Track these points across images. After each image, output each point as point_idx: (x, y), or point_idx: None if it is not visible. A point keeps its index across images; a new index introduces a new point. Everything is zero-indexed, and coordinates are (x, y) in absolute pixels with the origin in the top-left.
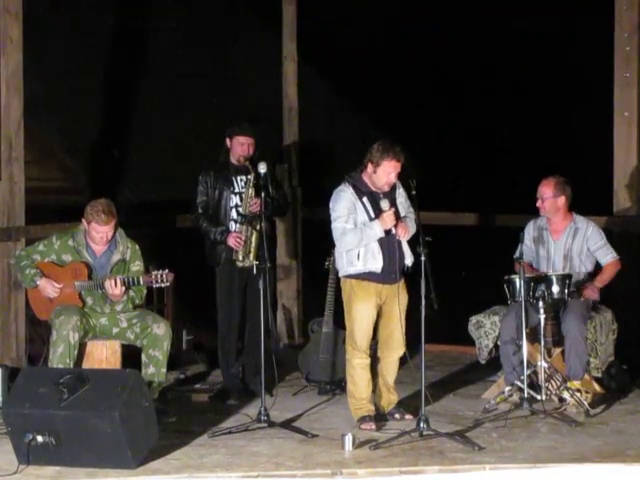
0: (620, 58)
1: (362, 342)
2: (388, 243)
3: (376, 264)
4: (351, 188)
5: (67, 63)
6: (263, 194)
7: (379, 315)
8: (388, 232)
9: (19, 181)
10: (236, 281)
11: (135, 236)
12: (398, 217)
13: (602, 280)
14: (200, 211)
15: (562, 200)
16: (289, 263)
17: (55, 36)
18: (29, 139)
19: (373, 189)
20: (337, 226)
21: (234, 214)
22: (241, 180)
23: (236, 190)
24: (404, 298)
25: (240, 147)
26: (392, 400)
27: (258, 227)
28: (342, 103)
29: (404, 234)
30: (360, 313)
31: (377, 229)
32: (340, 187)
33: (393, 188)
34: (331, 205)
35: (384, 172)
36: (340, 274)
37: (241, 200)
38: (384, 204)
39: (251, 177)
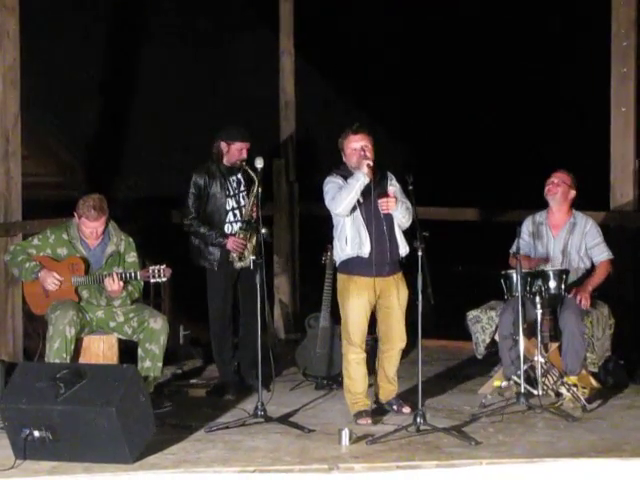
0: (617, 53)
1: (356, 337)
2: (377, 229)
3: (364, 248)
4: (339, 176)
5: (64, 58)
6: (260, 191)
7: (377, 310)
8: (373, 217)
9: (16, 176)
10: (227, 279)
11: (131, 231)
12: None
13: (594, 283)
14: (194, 214)
15: (573, 194)
16: (286, 258)
17: (52, 31)
18: (26, 134)
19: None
20: (328, 197)
21: (231, 217)
22: (234, 181)
23: (230, 193)
24: (403, 292)
25: (238, 152)
26: (391, 390)
27: (261, 229)
28: (339, 98)
29: (386, 205)
30: (353, 308)
31: (357, 173)
32: (328, 177)
33: (383, 178)
34: (324, 190)
35: (350, 150)
36: (337, 267)
37: (237, 203)
38: (365, 161)
39: (255, 182)
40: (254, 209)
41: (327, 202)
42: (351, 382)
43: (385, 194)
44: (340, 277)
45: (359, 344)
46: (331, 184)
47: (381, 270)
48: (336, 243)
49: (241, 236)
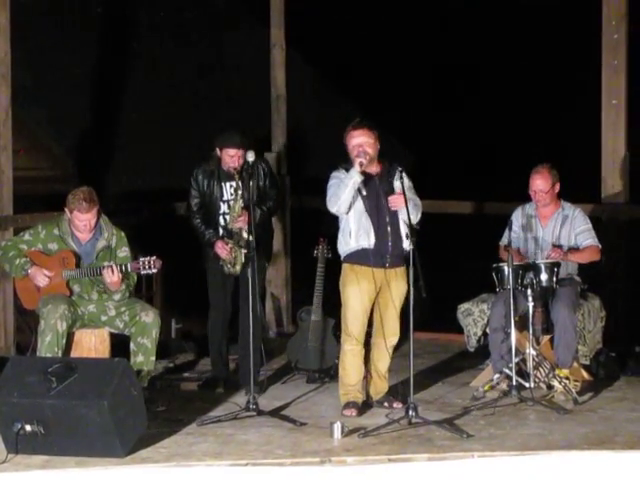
0: (608, 45)
1: (353, 327)
2: (380, 222)
3: (369, 240)
4: (343, 170)
5: (55, 52)
6: (252, 183)
7: (375, 301)
8: (377, 210)
9: (7, 170)
10: (226, 276)
11: (122, 224)
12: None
13: (573, 253)
14: (195, 209)
15: (557, 187)
16: (278, 251)
17: (43, 24)
18: (17, 128)
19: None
20: (327, 195)
21: (222, 220)
22: (230, 187)
23: (224, 197)
24: (401, 286)
25: (229, 159)
26: (382, 388)
27: (242, 243)
28: (330, 90)
29: (394, 203)
30: (352, 297)
31: (351, 171)
32: (334, 171)
33: (391, 172)
34: (328, 185)
35: (350, 145)
36: (342, 259)
37: (229, 208)
38: (361, 156)
39: (238, 190)
40: (237, 219)
41: (327, 200)
42: (344, 373)
43: (391, 189)
44: (343, 267)
45: (356, 335)
46: (333, 180)
47: (383, 262)
48: (340, 237)
49: (229, 244)
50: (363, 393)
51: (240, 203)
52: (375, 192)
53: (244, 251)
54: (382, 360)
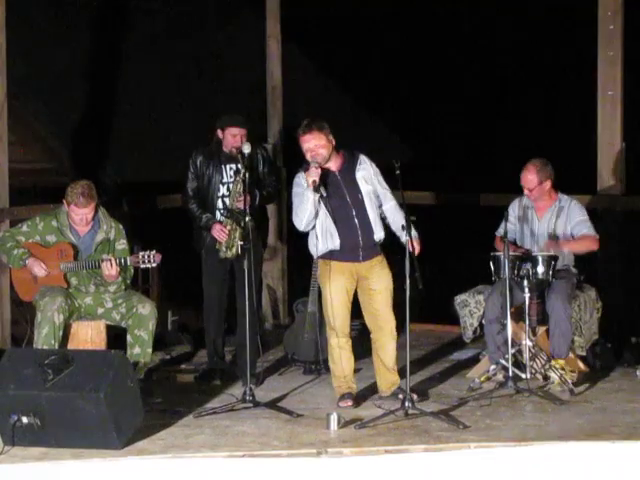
0: (604, 37)
1: (335, 321)
2: (343, 220)
3: (334, 242)
4: (303, 174)
5: (52, 45)
6: (248, 178)
7: (359, 297)
8: (340, 207)
9: (3, 162)
10: (221, 265)
11: (119, 217)
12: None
13: (568, 242)
14: (190, 194)
15: (548, 184)
16: (274, 243)
17: (40, 18)
18: (13, 120)
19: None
20: (293, 212)
21: (220, 204)
22: (230, 169)
23: (224, 180)
24: (384, 275)
25: (232, 138)
26: (393, 381)
27: (243, 224)
28: (326, 83)
29: (412, 248)
30: (330, 292)
31: (306, 191)
32: (295, 177)
33: (351, 163)
34: (292, 198)
35: (303, 149)
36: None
37: (228, 191)
38: (312, 162)
39: (242, 170)
40: (239, 199)
41: (292, 217)
42: (335, 366)
43: (353, 182)
44: (319, 262)
45: (339, 328)
46: (295, 189)
47: (355, 257)
48: (309, 238)
49: (227, 226)
50: (357, 384)
51: (241, 184)
52: (337, 189)
53: (240, 243)
54: (387, 355)
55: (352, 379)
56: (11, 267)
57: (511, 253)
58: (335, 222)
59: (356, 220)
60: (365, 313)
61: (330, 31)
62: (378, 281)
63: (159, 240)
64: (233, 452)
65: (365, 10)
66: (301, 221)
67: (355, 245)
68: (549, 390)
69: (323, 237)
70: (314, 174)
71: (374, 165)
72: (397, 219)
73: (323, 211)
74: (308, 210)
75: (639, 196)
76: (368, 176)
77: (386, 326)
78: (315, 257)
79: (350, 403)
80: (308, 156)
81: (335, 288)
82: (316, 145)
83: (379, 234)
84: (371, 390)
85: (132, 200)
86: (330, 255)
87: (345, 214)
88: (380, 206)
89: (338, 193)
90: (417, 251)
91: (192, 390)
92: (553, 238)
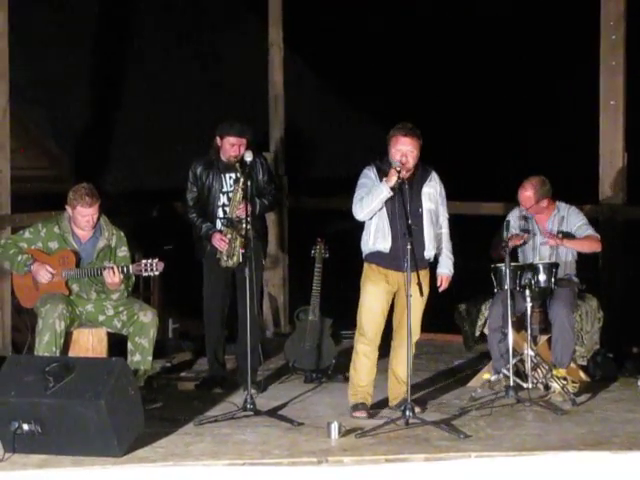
0: (606, 46)
1: (367, 327)
2: (397, 228)
3: (385, 244)
4: (374, 169)
5: (53, 51)
6: (248, 182)
7: (394, 304)
8: (399, 215)
9: (4, 169)
10: (222, 273)
11: (119, 224)
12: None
13: (570, 239)
14: (190, 203)
15: (545, 202)
16: (275, 252)
17: (41, 23)
18: (14, 127)
19: None
20: (355, 197)
21: (220, 213)
22: (230, 178)
23: (224, 189)
24: (423, 288)
25: (230, 147)
26: (399, 393)
27: (243, 232)
28: (328, 91)
29: (443, 286)
30: (368, 296)
31: (382, 186)
32: (365, 168)
33: (423, 177)
34: (358, 183)
35: (394, 148)
36: (363, 257)
37: (228, 200)
38: (395, 163)
39: (241, 179)
40: (239, 207)
41: (353, 203)
42: (355, 373)
43: (419, 196)
44: (364, 265)
45: (369, 335)
46: (363, 180)
47: (400, 265)
48: (363, 234)
49: (228, 235)
50: (373, 395)
51: (241, 193)
52: (401, 197)
53: (242, 251)
54: (401, 365)
55: (369, 390)
56: (15, 273)
57: (513, 264)
58: (391, 226)
59: (408, 229)
60: (394, 319)
61: (333, 40)
62: (415, 291)
63: (159, 247)
64: (234, 460)
65: (368, 19)
66: (363, 211)
67: (403, 254)
68: (550, 400)
69: (375, 237)
70: (395, 174)
71: (442, 186)
72: (440, 247)
73: (383, 211)
74: (374, 203)
75: None
76: (434, 194)
77: (407, 337)
78: (364, 254)
79: (364, 414)
80: (397, 157)
81: (374, 294)
82: (411, 151)
83: (429, 252)
84: (385, 402)
85: (133, 207)
86: (377, 258)
87: (401, 222)
88: (440, 228)
89: (402, 201)
90: (442, 288)
91: (192, 398)
92: (554, 247)
